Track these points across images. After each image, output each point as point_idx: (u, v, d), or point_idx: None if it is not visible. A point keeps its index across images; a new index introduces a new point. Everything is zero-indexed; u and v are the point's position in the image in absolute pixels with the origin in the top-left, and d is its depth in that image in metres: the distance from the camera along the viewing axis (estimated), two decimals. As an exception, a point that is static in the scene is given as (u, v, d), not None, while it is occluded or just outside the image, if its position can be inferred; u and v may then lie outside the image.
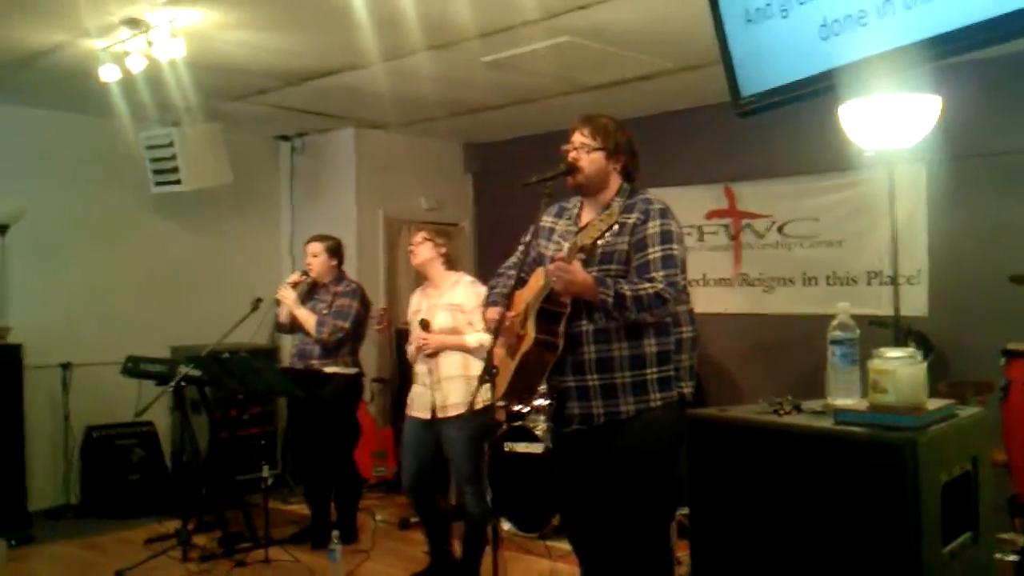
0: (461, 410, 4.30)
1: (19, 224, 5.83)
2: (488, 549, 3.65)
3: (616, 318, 3.02)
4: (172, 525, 5.26)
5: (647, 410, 3.08)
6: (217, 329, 5.39)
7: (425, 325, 4.46)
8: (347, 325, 5.16)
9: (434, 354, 4.45)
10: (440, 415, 4.43)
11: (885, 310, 4.69)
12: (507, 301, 3.23)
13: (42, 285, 6.21)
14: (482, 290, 4.13)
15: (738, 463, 2.47)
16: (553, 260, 2.99)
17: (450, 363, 4.45)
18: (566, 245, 3.11)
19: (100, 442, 6.35)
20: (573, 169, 3.20)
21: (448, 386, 4.42)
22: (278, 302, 5.37)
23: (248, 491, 5.57)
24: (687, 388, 3.18)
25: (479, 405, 3.80)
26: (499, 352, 3.26)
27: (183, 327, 6.65)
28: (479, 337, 4.30)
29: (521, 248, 3.39)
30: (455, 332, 4.45)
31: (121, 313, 6.57)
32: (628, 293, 2.95)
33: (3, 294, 5.74)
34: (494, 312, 3.30)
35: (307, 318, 5.21)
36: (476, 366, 4.26)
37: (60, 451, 6.26)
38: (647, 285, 2.98)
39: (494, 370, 3.19)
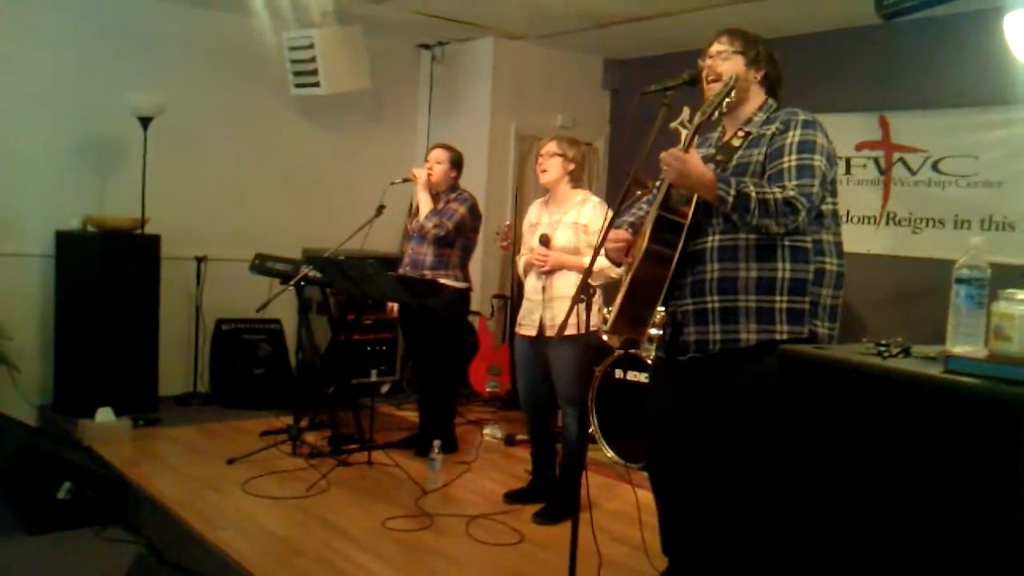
0: (569, 331, 4.17)
1: (161, 117, 5.93)
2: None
3: (736, 221, 2.73)
4: (288, 420, 5.38)
5: (771, 343, 2.73)
6: (349, 232, 5.39)
7: (545, 241, 4.30)
8: (449, 224, 5.04)
9: (550, 272, 4.31)
10: (548, 334, 4.30)
11: (1044, 261, 4.25)
12: (629, 222, 3.04)
13: (181, 179, 6.36)
14: (610, 213, 3.96)
15: (830, 407, 2.24)
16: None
17: (564, 283, 4.28)
18: (684, 133, 2.88)
19: (229, 335, 6.57)
20: (697, 78, 2.94)
21: (559, 306, 4.26)
22: (411, 179, 5.23)
23: (363, 394, 5.63)
24: (823, 328, 2.84)
25: (582, 328, 3.64)
26: (619, 273, 3.11)
27: (316, 229, 6.73)
28: (600, 261, 4.14)
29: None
30: (576, 252, 4.28)
31: (256, 211, 6.71)
32: (753, 193, 2.65)
33: (144, 186, 5.90)
34: (616, 234, 3.12)
35: (427, 204, 5.15)
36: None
37: (191, 341, 6.50)
38: (776, 189, 2.69)
39: (591, 290, 3.05)
